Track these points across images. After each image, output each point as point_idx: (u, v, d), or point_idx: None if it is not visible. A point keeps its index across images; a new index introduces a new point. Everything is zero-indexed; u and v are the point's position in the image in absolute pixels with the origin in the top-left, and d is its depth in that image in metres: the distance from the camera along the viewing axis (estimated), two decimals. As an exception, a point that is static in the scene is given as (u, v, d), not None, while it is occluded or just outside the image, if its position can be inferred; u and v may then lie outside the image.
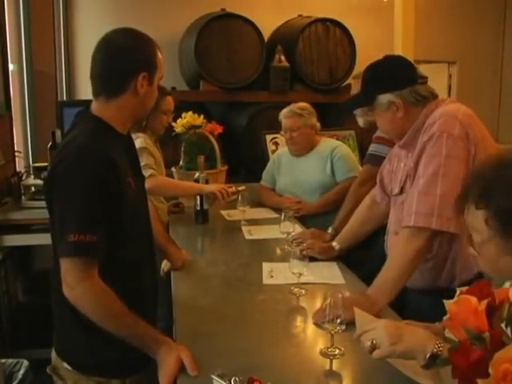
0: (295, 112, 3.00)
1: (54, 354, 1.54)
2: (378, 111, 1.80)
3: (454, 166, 1.63)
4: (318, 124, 3.08)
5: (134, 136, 1.87)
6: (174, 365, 1.31)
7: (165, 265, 2.17)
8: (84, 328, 1.40)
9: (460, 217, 1.60)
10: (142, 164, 2.28)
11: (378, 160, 2.54)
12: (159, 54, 1.52)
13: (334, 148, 3.02)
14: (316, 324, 1.55)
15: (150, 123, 2.72)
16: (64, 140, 1.49)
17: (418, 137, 1.75)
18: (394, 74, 1.79)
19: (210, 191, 2.78)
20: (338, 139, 3.60)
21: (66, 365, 1.48)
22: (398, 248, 1.70)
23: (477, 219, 1.05)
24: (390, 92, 1.75)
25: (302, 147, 3.07)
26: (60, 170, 1.37)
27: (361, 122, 2.70)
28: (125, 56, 1.45)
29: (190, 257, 2.16)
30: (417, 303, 1.84)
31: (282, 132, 3.10)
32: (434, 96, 1.80)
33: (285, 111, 3.05)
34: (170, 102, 2.82)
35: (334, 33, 4.67)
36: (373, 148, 2.60)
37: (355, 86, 2.78)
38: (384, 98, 1.76)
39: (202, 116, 3.41)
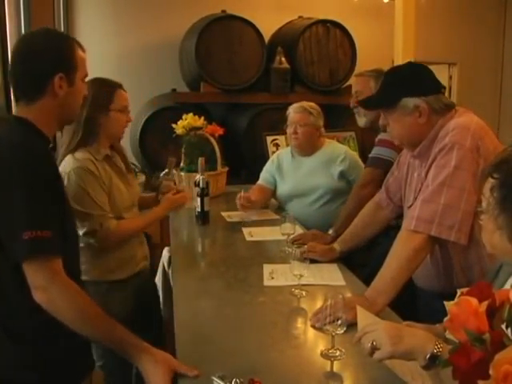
0: (305, 108, 2.97)
1: None
2: (398, 114, 1.78)
3: (461, 177, 1.65)
4: (323, 129, 3.04)
5: (62, 164, 1.83)
6: (164, 377, 1.23)
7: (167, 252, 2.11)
8: (13, 342, 1.35)
9: (468, 228, 1.61)
10: (81, 215, 1.93)
11: (380, 162, 2.53)
12: (79, 53, 1.46)
13: (344, 157, 2.95)
14: (313, 326, 1.56)
15: (104, 127, 2.10)
16: None
17: (432, 147, 1.75)
18: (422, 79, 1.79)
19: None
20: (338, 140, 3.58)
21: None
22: (395, 249, 1.70)
23: (487, 186, 1.09)
24: (416, 96, 1.74)
25: (304, 146, 3.02)
26: None
27: (362, 121, 2.68)
28: (36, 59, 1.40)
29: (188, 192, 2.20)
30: (433, 305, 1.84)
31: (287, 123, 3.01)
32: (453, 106, 1.80)
33: (295, 106, 3.01)
34: (124, 98, 2.17)
35: (335, 34, 4.66)
36: (376, 151, 2.58)
37: (356, 83, 2.77)
38: (410, 102, 1.75)
39: (202, 117, 3.42)
